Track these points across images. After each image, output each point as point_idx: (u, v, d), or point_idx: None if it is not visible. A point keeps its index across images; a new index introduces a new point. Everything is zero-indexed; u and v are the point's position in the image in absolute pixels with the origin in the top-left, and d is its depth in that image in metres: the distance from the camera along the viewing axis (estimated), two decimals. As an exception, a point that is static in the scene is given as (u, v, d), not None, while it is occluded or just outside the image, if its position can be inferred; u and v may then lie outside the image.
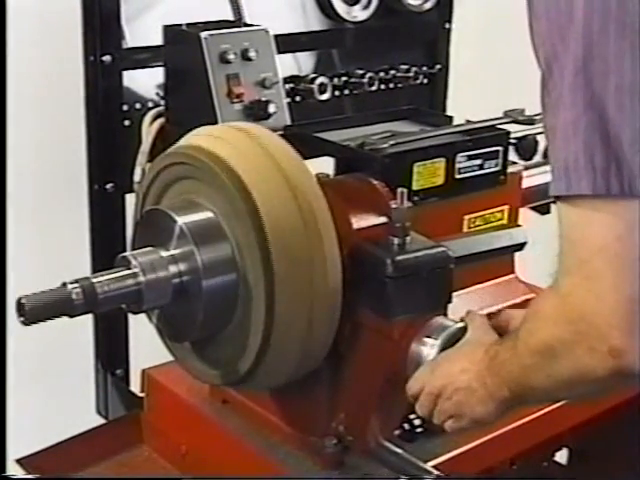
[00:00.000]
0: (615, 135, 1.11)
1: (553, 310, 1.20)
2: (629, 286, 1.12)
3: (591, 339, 1.15)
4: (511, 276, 1.82)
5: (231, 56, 1.86)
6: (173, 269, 1.52)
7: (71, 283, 1.46)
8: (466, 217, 1.73)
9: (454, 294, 1.54)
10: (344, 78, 2.30)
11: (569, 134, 1.13)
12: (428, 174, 1.64)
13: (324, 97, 2.22)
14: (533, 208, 1.92)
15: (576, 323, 1.16)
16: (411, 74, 2.40)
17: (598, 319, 1.14)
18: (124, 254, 1.53)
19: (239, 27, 1.94)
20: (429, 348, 1.48)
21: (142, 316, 1.61)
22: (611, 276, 1.13)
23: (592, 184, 1.12)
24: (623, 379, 1.17)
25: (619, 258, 1.12)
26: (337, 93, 2.28)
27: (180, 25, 1.92)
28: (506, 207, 1.77)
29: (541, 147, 1.92)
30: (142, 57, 2.03)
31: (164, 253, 1.53)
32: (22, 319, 1.44)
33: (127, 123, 2.04)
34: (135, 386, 2.03)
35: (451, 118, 1.89)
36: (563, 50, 1.13)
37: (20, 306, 1.43)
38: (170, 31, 1.93)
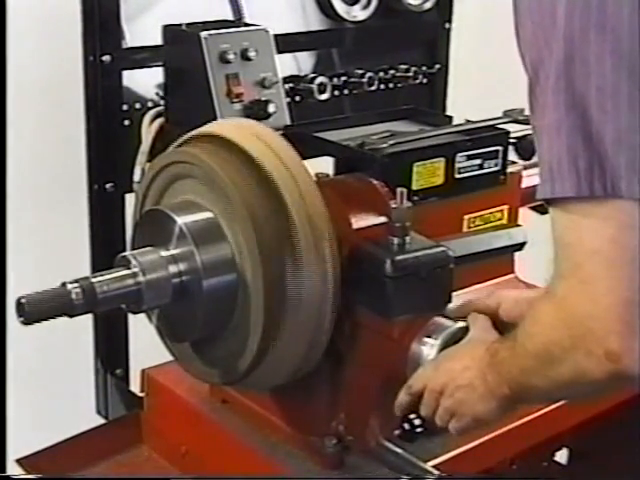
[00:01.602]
0: (598, 136, 1.11)
1: (550, 315, 1.20)
2: (625, 289, 1.12)
3: (588, 343, 1.15)
4: (511, 276, 1.81)
5: (231, 56, 1.86)
6: (173, 269, 1.52)
7: (71, 283, 1.46)
8: (466, 217, 1.72)
9: (454, 294, 1.54)
10: (344, 78, 2.30)
11: (552, 137, 1.13)
12: (428, 174, 1.64)
13: (324, 97, 2.22)
14: (533, 208, 1.91)
15: (573, 328, 1.16)
16: (411, 74, 2.40)
17: (594, 323, 1.14)
18: (124, 254, 1.54)
19: (239, 27, 1.94)
20: (429, 348, 1.48)
21: (142, 316, 1.61)
22: (606, 279, 1.13)
23: (576, 186, 1.12)
24: (621, 382, 1.17)
25: (613, 261, 1.12)
26: (337, 93, 2.28)
27: (180, 25, 1.92)
28: (506, 207, 1.77)
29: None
30: (142, 57, 2.03)
31: (164, 253, 1.53)
32: (22, 319, 1.44)
33: (127, 123, 2.03)
34: (135, 386, 2.02)
35: (451, 118, 1.88)
36: (548, 54, 1.13)
37: (20, 306, 1.43)
38: (170, 31, 1.93)
